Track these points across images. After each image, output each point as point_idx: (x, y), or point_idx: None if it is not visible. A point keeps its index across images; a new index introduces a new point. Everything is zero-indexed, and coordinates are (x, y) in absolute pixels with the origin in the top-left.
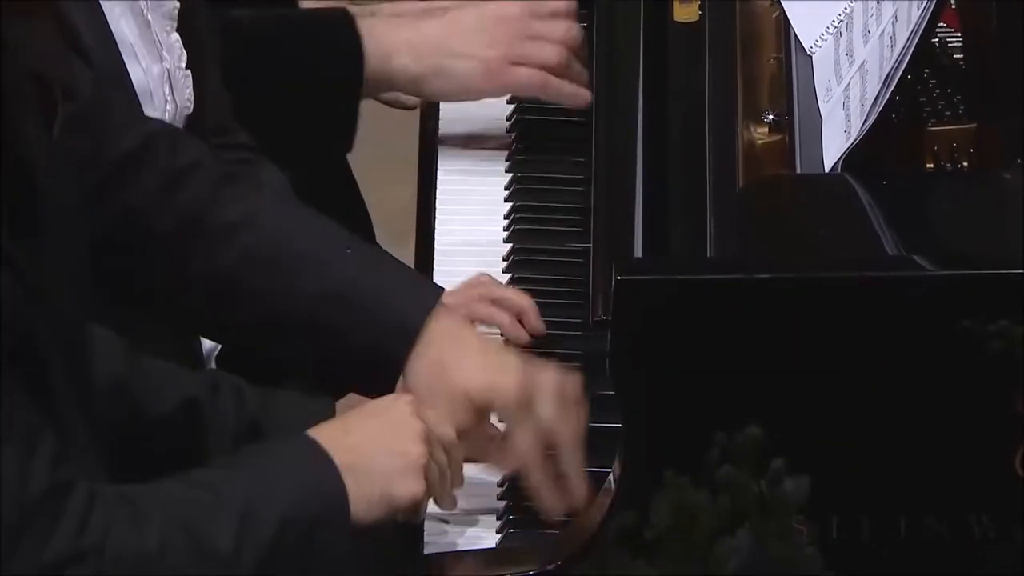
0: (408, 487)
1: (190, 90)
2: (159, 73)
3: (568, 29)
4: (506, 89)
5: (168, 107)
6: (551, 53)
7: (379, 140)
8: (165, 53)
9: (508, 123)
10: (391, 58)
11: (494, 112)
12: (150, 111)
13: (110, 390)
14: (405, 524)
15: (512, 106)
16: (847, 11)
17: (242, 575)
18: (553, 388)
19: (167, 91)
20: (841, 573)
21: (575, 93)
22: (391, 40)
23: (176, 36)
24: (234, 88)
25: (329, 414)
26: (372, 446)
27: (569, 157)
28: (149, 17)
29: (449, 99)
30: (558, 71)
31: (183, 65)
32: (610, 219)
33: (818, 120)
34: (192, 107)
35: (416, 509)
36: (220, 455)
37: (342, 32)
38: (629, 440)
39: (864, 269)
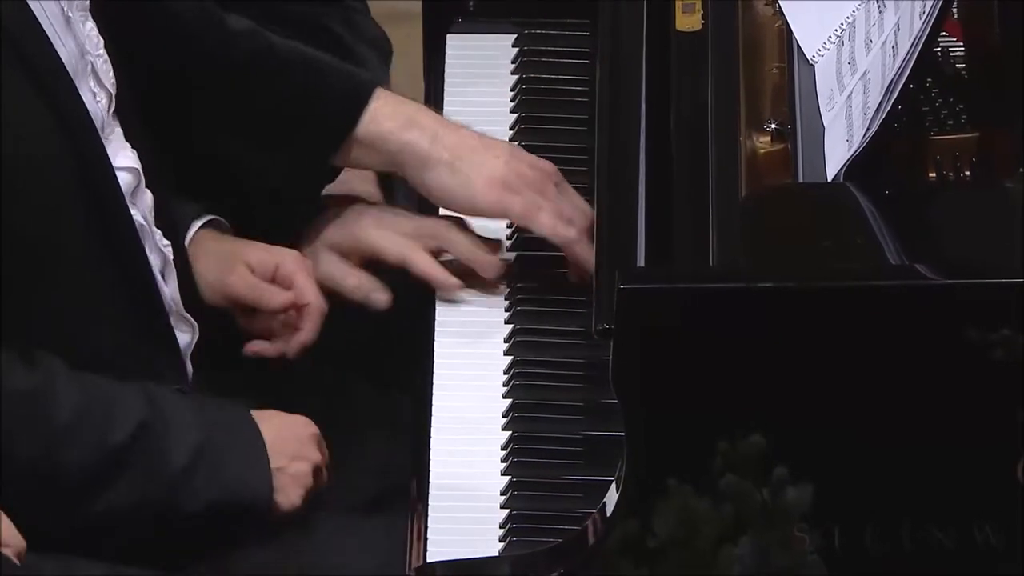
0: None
1: (111, 73)
2: (84, 68)
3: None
4: (500, 208)
5: (99, 97)
6: (549, 211)
7: None
8: (87, 45)
9: (511, 132)
10: (409, 128)
11: (496, 120)
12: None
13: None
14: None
15: (515, 115)
16: (849, 20)
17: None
18: None
19: (92, 83)
20: None
21: (557, 232)
22: (418, 117)
23: (92, 24)
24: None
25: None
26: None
27: (572, 166)
28: (70, 14)
29: (441, 198)
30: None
31: (101, 51)
32: (613, 228)
33: (820, 129)
34: (115, 89)
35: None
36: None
37: (353, 85)
38: (632, 449)
39: (866, 278)
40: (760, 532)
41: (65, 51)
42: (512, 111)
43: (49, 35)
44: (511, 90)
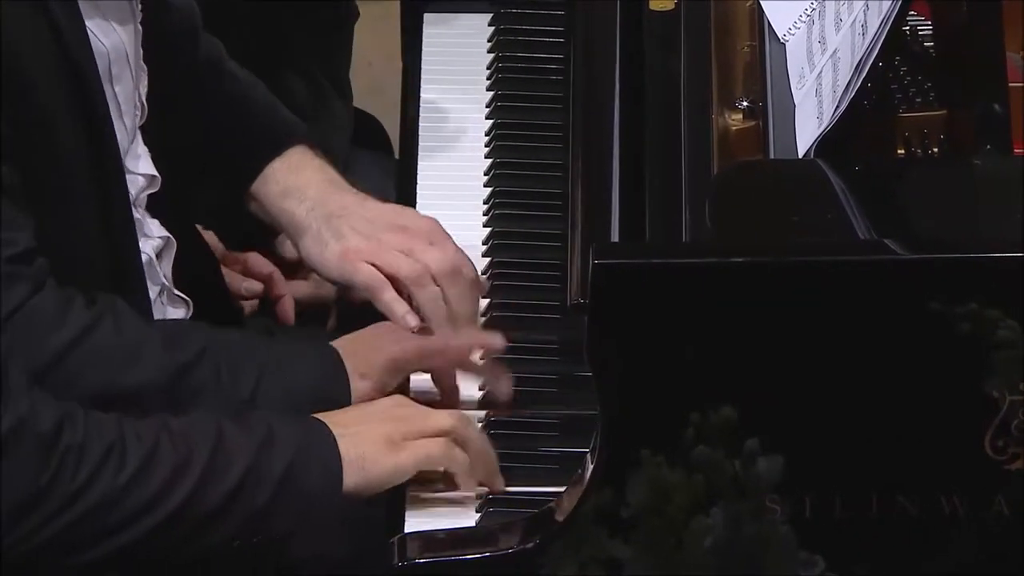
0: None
1: (145, 81)
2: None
3: (444, 262)
4: (350, 281)
5: (136, 112)
6: (406, 266)
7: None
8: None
9: (487, 109)
10: (286, 197)
11: (472, 98)
12: (121, 120)
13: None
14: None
15: (491, 93)
16: (820, 0)
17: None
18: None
19: (136, 98)
20: (814, 551)
21: (403, 317)
22: (305, 187)
23: (137, 28)
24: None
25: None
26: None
27: (547, 143)
28: (138, 26)
29: (308, 264)
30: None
31: (140, 57)
32: (587, 204)
33: (791, 107)
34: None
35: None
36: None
37: (269, 134)
38: (606, 420)
39: (836, 253)
40: (732, 502)
41: (122, 88)
42: (488, 89)
43: (114, 72)
44: (487, 68)
